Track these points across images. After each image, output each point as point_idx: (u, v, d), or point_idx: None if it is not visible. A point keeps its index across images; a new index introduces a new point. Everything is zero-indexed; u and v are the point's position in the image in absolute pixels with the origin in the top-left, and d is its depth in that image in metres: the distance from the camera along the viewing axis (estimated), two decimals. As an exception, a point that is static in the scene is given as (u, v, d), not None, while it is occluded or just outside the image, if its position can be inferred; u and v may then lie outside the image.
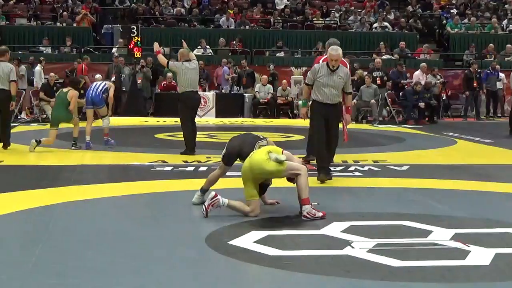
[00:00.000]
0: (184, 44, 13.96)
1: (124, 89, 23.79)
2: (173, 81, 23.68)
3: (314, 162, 11.95)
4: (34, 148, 13.42)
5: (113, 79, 22.27)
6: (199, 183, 9.33)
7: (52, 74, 21.50)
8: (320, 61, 12.01)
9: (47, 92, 20.81)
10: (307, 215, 7.52)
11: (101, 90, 14.42)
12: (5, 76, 13.81)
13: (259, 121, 22.24)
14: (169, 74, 23.84)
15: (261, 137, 8.24)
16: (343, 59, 12.55)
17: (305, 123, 11.56)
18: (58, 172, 10.91)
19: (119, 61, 23.99)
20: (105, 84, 14.77)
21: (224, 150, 8.23)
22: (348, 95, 10.28)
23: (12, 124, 18.98)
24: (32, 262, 5.66)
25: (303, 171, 7.67)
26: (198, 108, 14.29)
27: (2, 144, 13.98)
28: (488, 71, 24.64)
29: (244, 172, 7.67)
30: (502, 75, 24.54)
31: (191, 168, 11.40)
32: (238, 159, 8.18)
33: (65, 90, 14.16)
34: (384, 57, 26.35)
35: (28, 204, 8.19)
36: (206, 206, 7.51)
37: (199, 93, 14.01)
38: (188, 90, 13.16)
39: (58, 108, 14.05)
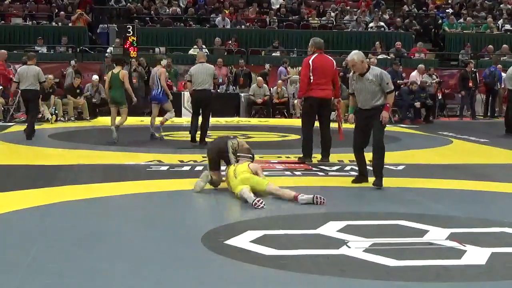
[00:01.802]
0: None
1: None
2: (169, 81, 23.67)
3: (310, 162, 12.01)
4: (116, 138, 14.90)
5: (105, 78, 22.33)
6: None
7: (50, 76, 21.40)
8: (310, 61, 12.09)
9: (43, 94, 20.74)
10: (317, 199, 8.28)
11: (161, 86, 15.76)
12: (33, 77, 15.67)
13: (255, 121, 22.24)
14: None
15: (231, 136, 9.47)
16: (328, 56, 12.67)
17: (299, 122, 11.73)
18: (54, 172, 10.90)
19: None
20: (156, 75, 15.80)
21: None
22: (388, 94, 9.69)
23: (8, 124, 19.17)
24: (28, 262, 5.65)
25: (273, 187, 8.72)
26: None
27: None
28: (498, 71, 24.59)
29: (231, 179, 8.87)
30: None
31: (187, 168, 11.40)
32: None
33: (115, 71, 15.32)
34: (380, 56, 26.37)
35: (24, 204, 8.17)
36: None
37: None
38: (197, 88, 14.64)
39: (115, 89, 15.28)
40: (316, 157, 12.22)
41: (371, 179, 9.80)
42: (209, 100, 14.94)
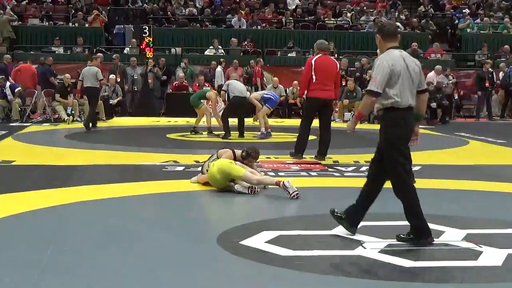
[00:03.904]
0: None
1: (136, 89, 23.85)
2: (185, 81, 23.72)
3: (325, 162, 12.02)
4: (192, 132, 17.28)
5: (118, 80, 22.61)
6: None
7: (67, 75, 21.51)
8: (312, 61, 12.23)
9: (63, 94, 20.85)
10: (286, 184, 8.66)
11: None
12: (92, 76, 18.10)
13: (271, 121, 22.17)
14: (181, 74, 23.85)
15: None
16: (331, 58, 12.97)
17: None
18: (70, 172, 10.94)
19: (126, 63, 24.07)
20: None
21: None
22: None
23: (24, 124, 19.29)
24: (43, 262, 5.67)
25: (253, 178, 9.05)
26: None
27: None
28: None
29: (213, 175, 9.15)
30: None
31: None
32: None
33: (208, 88, 18.55)
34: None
35: (40, 204, 8.21)
36: None
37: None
38: (239, 95, 16.34)
39: (194, 95, 17.65)
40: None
41: None
42: (246, 106, 17.24)
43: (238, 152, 9.66)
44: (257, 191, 8.92)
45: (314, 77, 12.15)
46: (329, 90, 12.33)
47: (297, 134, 12.70)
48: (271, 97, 17.35)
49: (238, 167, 9.21)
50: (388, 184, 9.88)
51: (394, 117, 6.52)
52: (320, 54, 12.35)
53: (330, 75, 12.32)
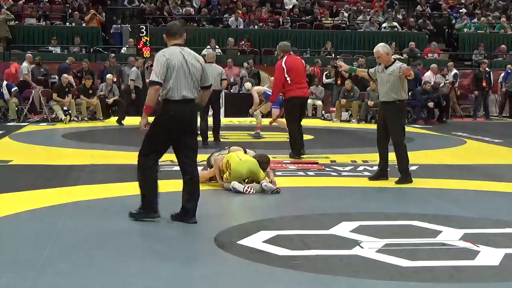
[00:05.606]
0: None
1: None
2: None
3: (322, 161, 12.04)
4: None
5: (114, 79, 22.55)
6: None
7: (65, 75, 21.50)
8: (283, 64, 12.35)
9: (60, 93, 20.83)
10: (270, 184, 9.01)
11: None
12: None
13: (268, 121, 22.18)
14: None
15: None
16: (297, 56, 13.19)
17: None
18: (68, 171, 10.92)
19: (123, 62, 24.06)
20: None
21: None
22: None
23: (21, 124, 19.28)
24: (41, 262, 5.67)
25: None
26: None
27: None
28: (510, 71, 24.42)
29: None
30: None
31: (199, 168, 11.37)
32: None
33: None
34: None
35: (37, 203, 8.20)
36: None
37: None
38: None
39: None
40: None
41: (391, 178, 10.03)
42: (216, 100, 15.00)
43: (250, 152, 9.73)
44: (252, 191, 8.92)
45: (288, 78, 12.28)
46: (305, 88, 12.81)
47: (288, 137, 12.80)
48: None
49: (262, 172, 9.33)
50: (384, 184, 9.92)
51: (167, 108, 7.20)
52: (286, 56, 12.53)
53: (302, 73, 12.71)
